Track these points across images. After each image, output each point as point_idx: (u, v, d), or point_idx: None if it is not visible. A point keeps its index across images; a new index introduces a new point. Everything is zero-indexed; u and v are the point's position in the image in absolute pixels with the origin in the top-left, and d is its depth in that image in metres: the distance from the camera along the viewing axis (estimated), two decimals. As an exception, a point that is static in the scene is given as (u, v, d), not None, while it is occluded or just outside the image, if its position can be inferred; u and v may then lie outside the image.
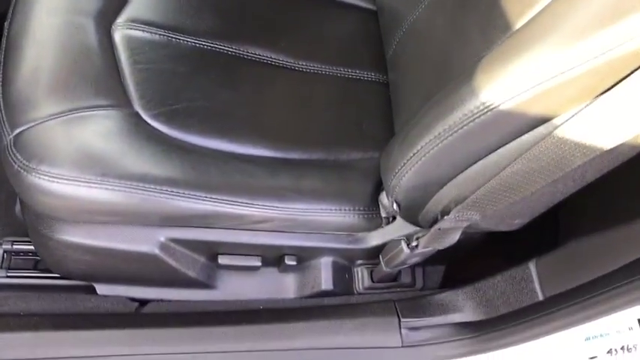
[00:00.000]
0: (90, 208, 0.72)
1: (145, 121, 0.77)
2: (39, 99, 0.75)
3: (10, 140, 0.72)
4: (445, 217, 0.70)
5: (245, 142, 0.80)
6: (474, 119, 0.60)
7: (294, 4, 0.99)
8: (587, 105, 0.58)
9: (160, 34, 0.85)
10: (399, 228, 0.80)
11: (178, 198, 0.72)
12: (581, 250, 0.79)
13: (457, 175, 0.67)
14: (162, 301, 0.84)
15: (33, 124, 0.73)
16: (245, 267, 0.84)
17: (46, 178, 0.69)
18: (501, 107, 0.58)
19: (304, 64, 0.92)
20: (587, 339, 0.69)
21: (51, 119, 0.73)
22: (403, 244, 0.77)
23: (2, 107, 0.75)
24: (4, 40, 0.81)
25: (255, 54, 0.90)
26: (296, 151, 0.82)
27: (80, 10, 0.83)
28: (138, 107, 0.78)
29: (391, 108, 0.90)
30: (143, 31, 0.85)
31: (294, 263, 0.84)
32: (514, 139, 0.62)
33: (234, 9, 0.93)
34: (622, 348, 0.68)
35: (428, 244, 0.75)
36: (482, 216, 0.71)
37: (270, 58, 0.91)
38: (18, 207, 0.91)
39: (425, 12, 0.85)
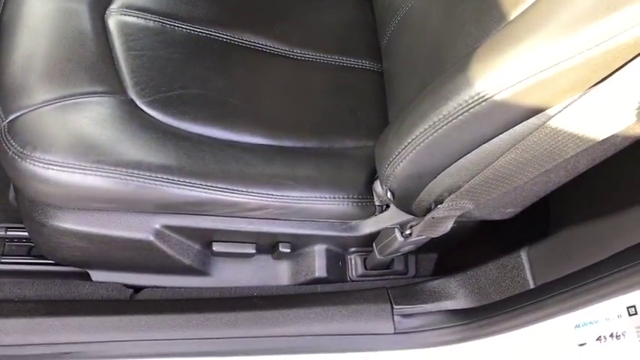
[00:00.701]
0: (84, 195, 0.71)
1: (140, 108, 0.77)
2: (33, 85, 0.74)
3: (4, 127, 0.71)
4: (439, 206, 0.71)
5: (240, 130, 0.81)
6: (469, 109, 0.60)
7: (289, -10, 0.98)
8: (581, 96, 0.58)
9: (154, 21, 0.85)
10: (393, 216, 0.81)
11: (173, 185, 0.72)
12: (572, 239, 0.80)
13: (451, 164, 0.67)
14: (156, 287, 0.84)
15: (27, 110, 0.72)
16: (239, 254, 0.84)
17: (41, 164, 0.69)
18: (496, 97, 0.58)
19: (299, 51, 0.92)
20: (577, 326, 0.70)
21: (45, 105, 0.73)
22: (397, 232, 0.78)
23: None
24: None
25: (250, 41, 0.90)
26: (290, 139, 0.83)
27: (73, -5, 0.82)
28: (132, 94, 0.78)
29: (385, 96, 0.90)
30: (137, 17, 0.84)
31: (288, 251, 0.84)
32: (508, 129, 0.62)
33: None
34: (611, 335, 0.69)
35: (421, 232, 0.75)
36: (476, 205, 0.72)
37: (265, 45, 0.90)
38: (12, 193, 0.90)
39: (420, 1, 0.85)
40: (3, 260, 0.88)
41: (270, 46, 0.91)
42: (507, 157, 0.64)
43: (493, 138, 0.63)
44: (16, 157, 0.69)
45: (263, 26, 0.92)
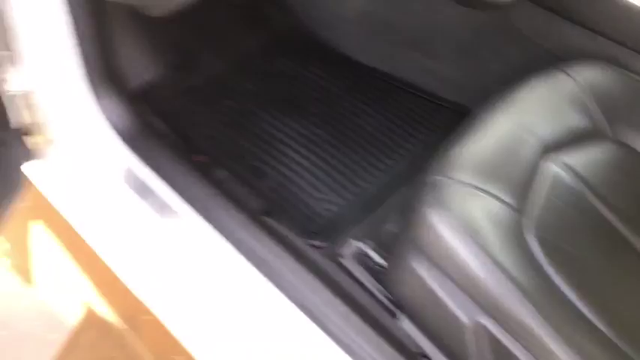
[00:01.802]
0: (452, 262, 0.85)
1: (527, 234, 0.89)
2: (462, 167, 0.93)
3: (429, 180, 0.91)
4: None
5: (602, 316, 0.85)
6: None
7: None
8: None
9: (582, 190, 0.97)
10: None
11: (518, 302, 0.81)
12: None
13: None
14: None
15: (449, 178, 0.91)
16: None
17: (441, 221, 0.86)
18: None
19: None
20: None
21: (463, 185, 0.91)
22: None
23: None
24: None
25: None
26: (634, 350, 0.83)
27: (532, 131, 1.00)
28: (528, 220, 0.91)
29: None
30: (570, 177, 0.98)
31: None
32: None
33: None
34: None
35: None
36: None
37: None
38: (388, 225, 1.11)
39: None
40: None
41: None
42: None
43: None
44: (425, 206, 0.88)
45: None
